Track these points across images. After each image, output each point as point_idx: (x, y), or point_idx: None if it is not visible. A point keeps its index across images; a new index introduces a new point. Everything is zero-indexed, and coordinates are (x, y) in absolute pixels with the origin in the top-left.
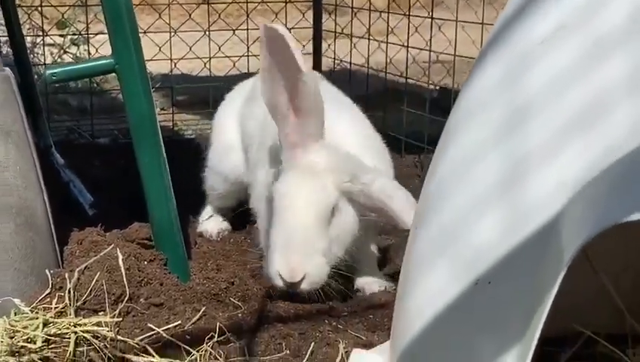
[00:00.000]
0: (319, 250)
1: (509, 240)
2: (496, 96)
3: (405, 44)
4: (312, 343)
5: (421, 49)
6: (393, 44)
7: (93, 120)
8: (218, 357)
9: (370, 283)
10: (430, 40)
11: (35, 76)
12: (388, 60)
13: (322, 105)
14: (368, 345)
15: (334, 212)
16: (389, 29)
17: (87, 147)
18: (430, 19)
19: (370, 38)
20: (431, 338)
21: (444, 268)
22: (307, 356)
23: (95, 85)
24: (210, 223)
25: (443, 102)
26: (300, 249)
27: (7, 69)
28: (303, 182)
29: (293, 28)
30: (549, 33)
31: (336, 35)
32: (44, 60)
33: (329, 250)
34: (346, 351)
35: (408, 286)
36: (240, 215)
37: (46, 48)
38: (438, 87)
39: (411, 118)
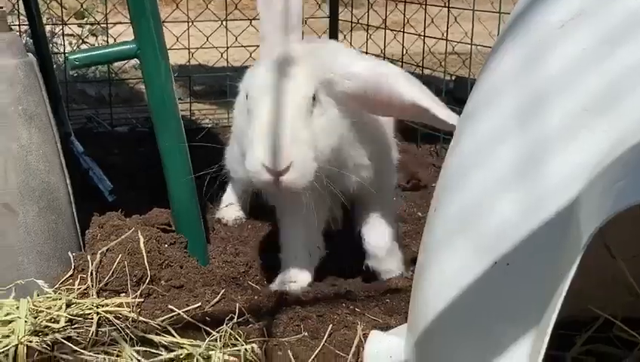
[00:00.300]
0: (304, 140)
1: (527, 223)
2: (515, 80)
3: (421, 35)
4: (330, 325)
5: (438, 39)
6: (409, 33)
7: (112, 109)
8: (238, 337)
9: (386, 273)
10: (447, 30)
11: (54, 65)
12: (404, 51)
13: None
14: (386, 328)
15: (315, 103)
16: (405, 20)
17: (105, 135)
18: (447, 10)
19: (387, 28)
20: (448, 320)
21: (463, 250)
22: (325, 337)
23: (113, 75)
24: (228, 211)
25: (458, 92)
26: (282, 135)
27: (30, 54)
28: (278, 71)
29: (309, 18)
30: (567, 18)
31: (353, 26)
32: (64, 50)
33: (314, 144)
34: (364, 334)
35: (426, 268)
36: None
37: (64, 38)
38: (454, 78)
39: None
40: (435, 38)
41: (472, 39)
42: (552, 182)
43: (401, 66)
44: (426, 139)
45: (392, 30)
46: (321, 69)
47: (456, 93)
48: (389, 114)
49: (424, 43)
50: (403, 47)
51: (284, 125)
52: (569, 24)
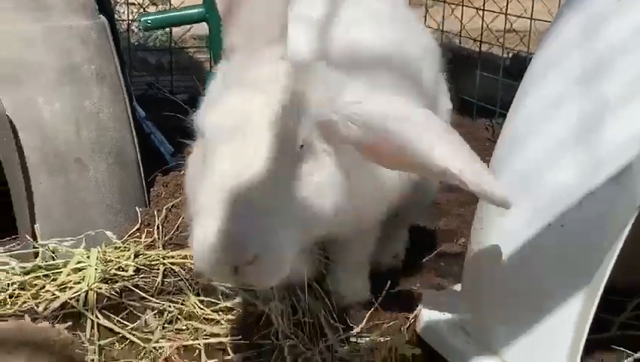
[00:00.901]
0: (280, 214)
1: (582, 186)
2: (575, 48)
3: (480, 9)
4: (389, 282)
5: (497, 13)
6: (468, 7)
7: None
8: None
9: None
10: (507, 6)
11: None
12: (462, 27)
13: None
14: (439, 289)
15: (304, 154)
16: None
17: (166, 102)
18: None
19: (445, 2)
20: (503, 279)
21: (520, 211)
22: (381, 297)
23: (173, 44)
24: None
25: (515, 69)
26: (244, 210)
27: (102, 16)
28: (249, 102)
29: None
30: None
31: (410, 0)
32: (128, 17)
33: (298, 218)
34: (418, 293)
35: (484, 229)
36: None
37: (128, 7)
38: (510, 55)
39: (484, 83)
40: (493, 11)
41: (531, 15)
42: (609, 147)
43: (459, 42)
44: (481, 113)
45: (449, 4)
46: (319, 104)
47: (513, 70)
48: (408, 170)
49: (482, 19)
50: (461, 22)
51: (247, 192)
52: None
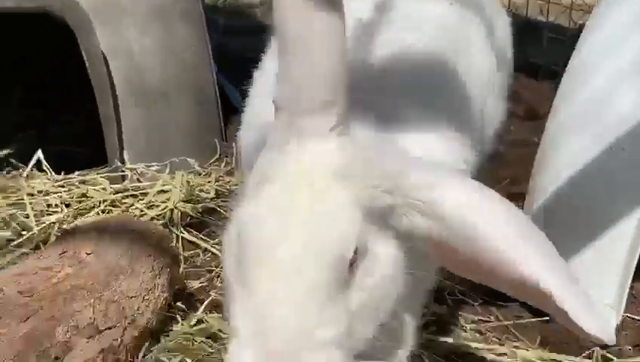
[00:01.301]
0: (328, 341)
1: None
2: None
3: None
4: None
5: None
6: None
7: (239, 38)
8: None
9: None
10: None
11: None
12: None
13: (343, 53)
14: None
15: (356, 260)
16: None
17: (236, 62)
18: None
19: None
20: (567, 197)
21: (585, 135)
22: None
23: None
24: None
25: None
26: (290, 345)
27: None
28: (293, 205)
29: None
30: None
31: None
32: None
33: (349, 333)
34: None
35: (551, 149)
36: None
37: None
38: (577, 25)
39: (551, 47)
40: None
41: None
42: None
43: (526, 13)
44: (545, 75)
45: None
46: (377, 186)
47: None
48: (481, 278)
49: None
50: None
51: (293, 324)
52: None
